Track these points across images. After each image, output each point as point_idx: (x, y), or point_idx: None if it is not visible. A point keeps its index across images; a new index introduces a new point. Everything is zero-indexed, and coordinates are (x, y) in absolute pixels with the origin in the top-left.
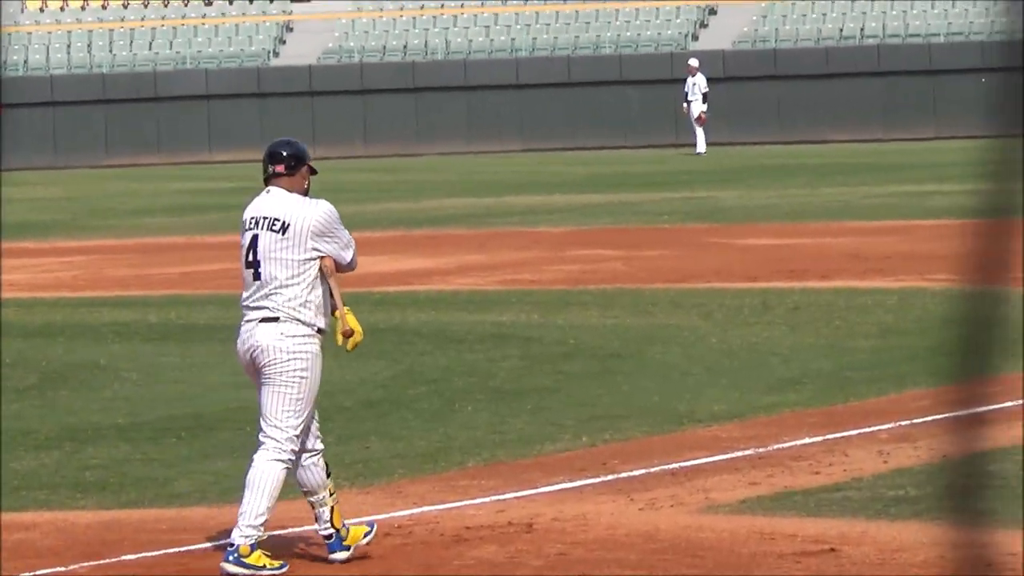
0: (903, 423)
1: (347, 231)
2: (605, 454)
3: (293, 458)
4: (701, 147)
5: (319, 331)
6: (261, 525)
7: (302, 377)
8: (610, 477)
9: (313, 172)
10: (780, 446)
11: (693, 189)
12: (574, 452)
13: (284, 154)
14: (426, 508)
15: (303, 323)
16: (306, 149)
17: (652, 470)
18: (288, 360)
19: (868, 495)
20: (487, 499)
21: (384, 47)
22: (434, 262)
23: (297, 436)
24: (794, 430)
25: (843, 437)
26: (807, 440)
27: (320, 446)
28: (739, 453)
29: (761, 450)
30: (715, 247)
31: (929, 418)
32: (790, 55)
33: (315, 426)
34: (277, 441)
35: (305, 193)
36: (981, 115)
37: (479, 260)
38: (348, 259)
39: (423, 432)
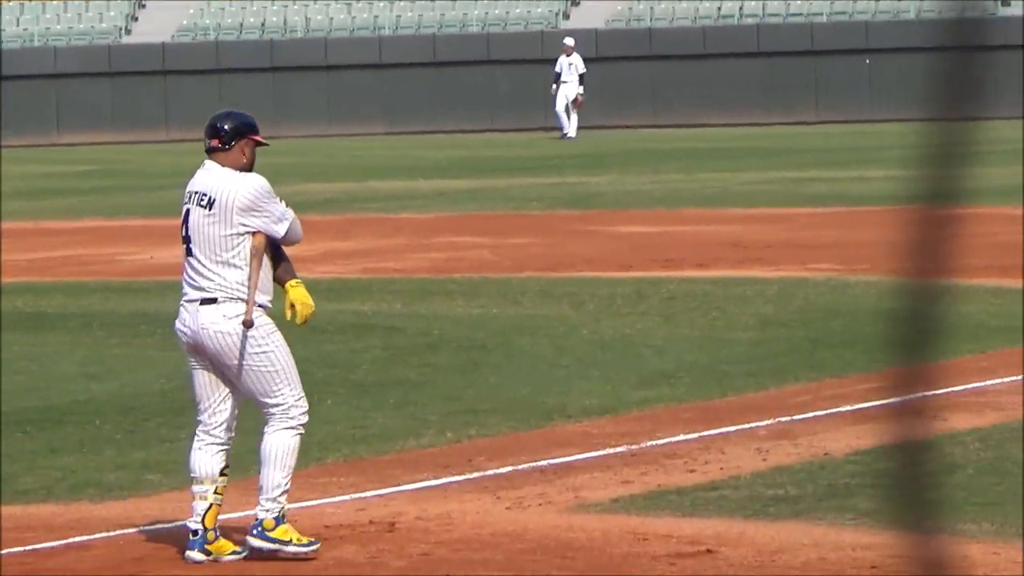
0: (782, 419)
1: (282, 204)
2: (471, 450)
3: (304, 421)
4: (571, 131)
5: (260, 307)
6: (281, 496)
7: (263, 351)
8: (476, 475)
9: (260, 144)
10: (654, 443)
11: (564, 174)
12: (438, 448)
13: (218, 127)
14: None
15: (244, 301)
16: (249, 122)
17: (520, 467)
18: (241, 342)
19: (746, 494)
20: (347, 497)
21: (241, 24)
22: (292, 249)
23: (299, 401)
24: (669, 426)
25: (720, 434)
26: (682, 437)
27: (225, 437)
28: (611, 450)
29: (634, 447)
30: (586, 234)
31: (809, 414)
32: (666, 35)
33: (231, 415)
34: (281, 407)
35: (248, 168)
36: (864, 98)
37: (340, 247)
38: (281, 233)
39: None
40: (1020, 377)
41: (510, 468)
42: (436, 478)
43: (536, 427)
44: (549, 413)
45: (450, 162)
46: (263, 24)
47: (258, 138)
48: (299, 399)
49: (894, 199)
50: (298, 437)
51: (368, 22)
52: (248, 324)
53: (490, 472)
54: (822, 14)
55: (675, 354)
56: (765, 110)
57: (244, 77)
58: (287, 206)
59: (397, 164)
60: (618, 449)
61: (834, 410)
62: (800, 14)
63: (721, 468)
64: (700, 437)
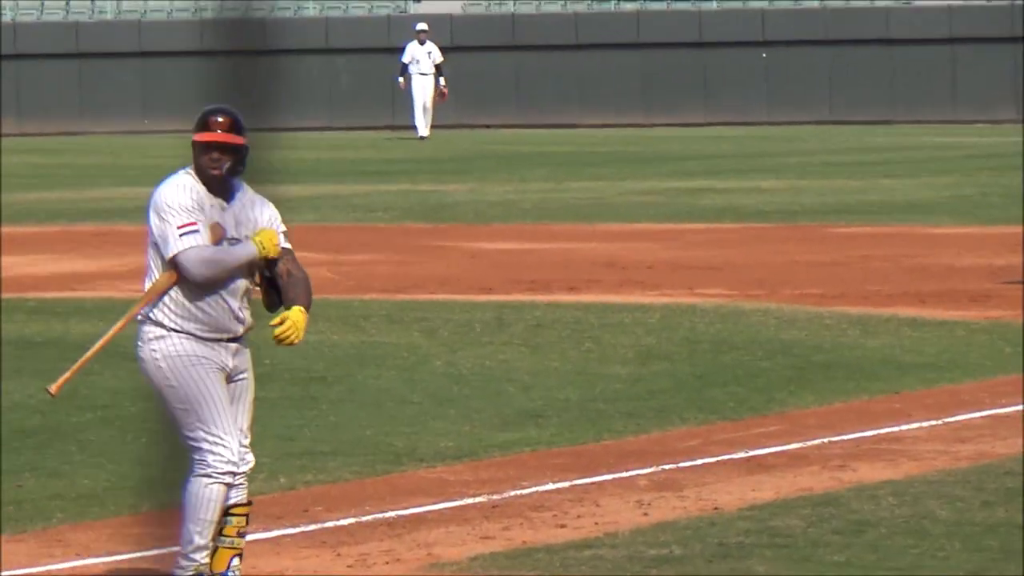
0: (666, 467)
1: (176, 220)
2: (307, 499)
3: (223, 470)
4: (423, 130)
5: (174, 331)
6: (195, 552)
7: (169, 385)
8: (313, 527)
9: (205, 144)
10: (519, 492)
11: (415, 181)
12: (269, 495)
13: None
14: (91, 560)
15: (154, 323)
16: (208, 118)
17: (364, 519)
18: (153, 371)
19: (624, 554)
20: (164, 550)
21: (42, 4)
22: (100, 264)
23: (214, 446)
24: (536, 473)
25: (594, 483)
26: (551, 486)
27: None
28: (469, 500)
29: (496, 497)
30: (440, 251)
31: (697, 461)
32: (532, 22)
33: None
34: (195, 450)
35: (196, 169)
36: (760, 97)
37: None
38: (166, 255)
39: (88, 469)
40: (939, 421)
41: (352, 520)
42: (267, 530)
43: (383, 473)
44: (398, 456)
45: (284, 164)
46: (67, 4)
47: (198, 137)
48: (215, 444)
49: (794, 214)
50: (215, 487)
51: (188, 4)
52: (51, 393)
53: (329, 524)
54: (712, 1)
55: (543, 390)
56: (646, 110)
57: (45, 64)
58: (187, 231)
59: None
60: (477, 499)
61: (725, 456)
62: (686, 0)
63: (596, 523)
64: (572, 487)
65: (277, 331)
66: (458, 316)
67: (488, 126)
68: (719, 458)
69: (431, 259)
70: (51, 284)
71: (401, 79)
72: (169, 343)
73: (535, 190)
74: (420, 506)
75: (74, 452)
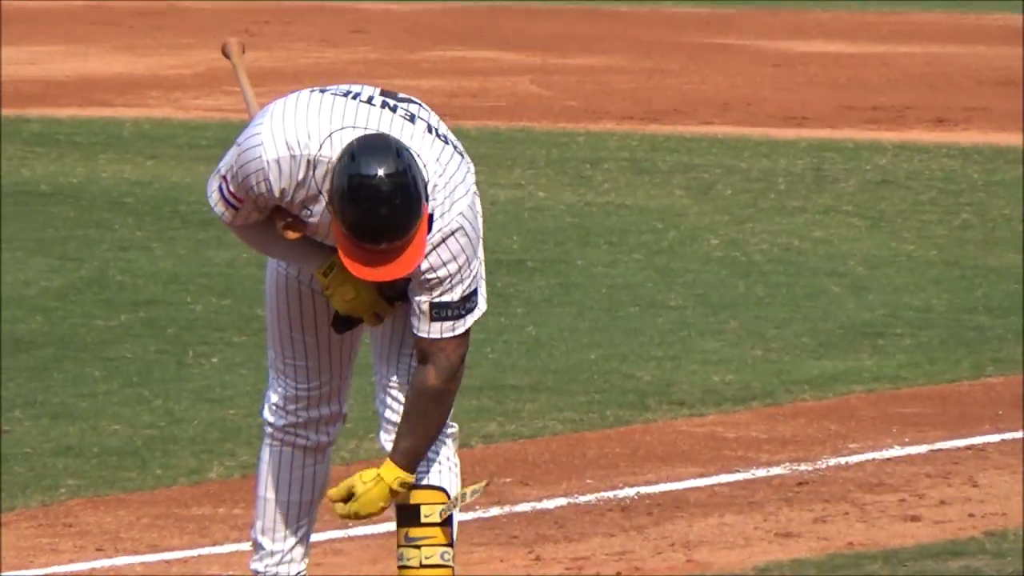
0: None
1: (231, 154)
2: (493, 460)
3: (286, 421)
4: None
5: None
6: (256, 559)
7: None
8: (496, 511)
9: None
10: (840, 461)
11: None
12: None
13: None
14: (121, 559)
15: None
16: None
17: (579, 500)
18: None
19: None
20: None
21: None
22: (151, 61)
23: (280, 387)
24: (871, 429)
25: (972, 447)
26: (896, 451)
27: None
28: (758, 472)
29: (803, 468)
30: (720, 54)
31: None
32: None
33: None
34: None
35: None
36: None
37: None
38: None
39: (118, 406)
40: None
41: (564, 501)
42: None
43: (614, 423)
44: (641, 397)
45: None
46: None
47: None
48: (281, 387)
49: None
50: (270, 447)
51: None
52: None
53: (525, 508)
54: None
55: (886, 292)
56: None
57: None
58: (228, 201)
59: None
60: (772, 471)
61: None
62: None
63: (970, 514)
64: (931, 452)
65: (340, 511)
66: (745, 163)
67: None
68: None
69: (702, 67)
70: (68, 93)
71: None
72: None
73: None
74: (676, 481)
75: (96, 378)
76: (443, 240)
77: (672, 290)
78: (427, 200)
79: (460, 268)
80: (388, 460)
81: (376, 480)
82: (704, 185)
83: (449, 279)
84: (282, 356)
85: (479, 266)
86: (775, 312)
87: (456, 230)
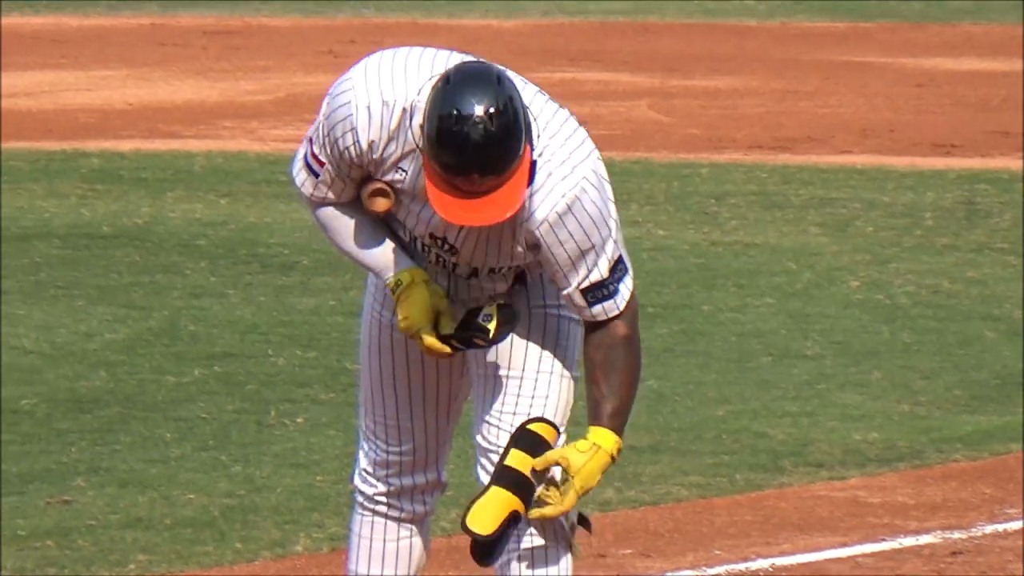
0: None
1: (313, 132)
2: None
3: (377, 489)
4: None
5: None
6: None
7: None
8: None
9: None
10: (998, 528)
11: None
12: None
13: None
14: None
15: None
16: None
17: (708, 573)
18: None
19: None
20: None
21: None
22: (221, 87)
23: (371, 450)
24: None
25: None
26: None
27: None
28: (907, 540)
29: (956, 536)
30: (857, 72)
31: None
32: None
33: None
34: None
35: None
36: None
37: None
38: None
39: (192, 472)
40: None
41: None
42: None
43: (743, 488)
44: (775, 458)
45: None
46: None
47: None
48: (372, 450)
49: None
50: (360, 517)
51: None
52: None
53: None
54: None
55: None
56: None
57: None
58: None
59: None
60: (921, 539)
61: None
62: None
63: None
64: None
65: (533, 514)
66: (887, 196)
67: None
68: None
69: (839, 89)
70: (131, 123)
71: None
72: (368, 299)
73: None
74: (814, 551)
75: (167, 441)
76: (568, 208)
77: (808, 338)
78: (531, 144)
79: (596, 238)
80: (595, 428)
81: (594, 449)
82: (842, 221)
83: (592, 252)
84: (372, 414)
85: (616, 230)
86: (923, 361)
87: (582, 194)
